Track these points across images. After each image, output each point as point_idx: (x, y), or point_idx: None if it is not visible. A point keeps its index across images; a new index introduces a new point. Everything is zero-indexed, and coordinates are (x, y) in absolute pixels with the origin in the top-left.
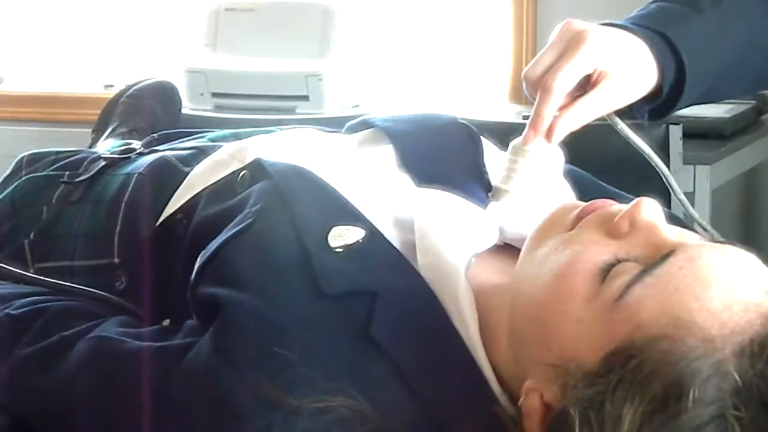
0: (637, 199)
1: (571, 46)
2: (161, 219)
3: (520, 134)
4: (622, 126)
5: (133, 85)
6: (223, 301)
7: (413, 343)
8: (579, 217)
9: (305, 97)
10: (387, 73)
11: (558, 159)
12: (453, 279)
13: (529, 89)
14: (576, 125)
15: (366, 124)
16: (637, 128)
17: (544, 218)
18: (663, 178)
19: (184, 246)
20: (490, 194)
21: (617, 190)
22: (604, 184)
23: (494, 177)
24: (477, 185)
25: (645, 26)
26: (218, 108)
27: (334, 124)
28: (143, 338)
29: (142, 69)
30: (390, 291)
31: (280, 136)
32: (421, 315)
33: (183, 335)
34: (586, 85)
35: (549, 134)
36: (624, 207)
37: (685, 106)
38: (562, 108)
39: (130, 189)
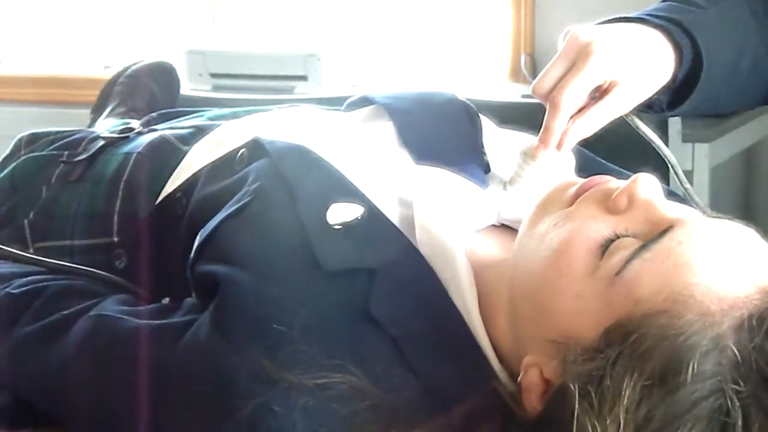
0: (636, 175)
1: (579, 59)
2: (160, 198)
3: (536, 128)
4: (638, 122)
5: (132, 65)
6: (222, 279)
7: (412, 320)
8: (578, 194)
9: (303, 77)
10: (385, 53)
11: (568, 163)
12: (452, 255)
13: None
14: (587, 134)
15: (366, 101)
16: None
17: (543, 195)
18: (673, 172)
19: (183, 224)
20: (496, 185)
21: (616, 167)
22: (602, 160)
23: (494, 160)
24: (475, 164)
25: (658, 16)
26: (217, 88)
27: (333, 103)
28: (142, 316)
29: (141, 50)
30: (389, 268)
31: (278, 114)
32: (419, 291)
33: (182, 313)
34: (597, 91)
35: (559, 146)
36: (622, 183)
37: (697, 105)
38: (573, 117)
39: (129, 168)
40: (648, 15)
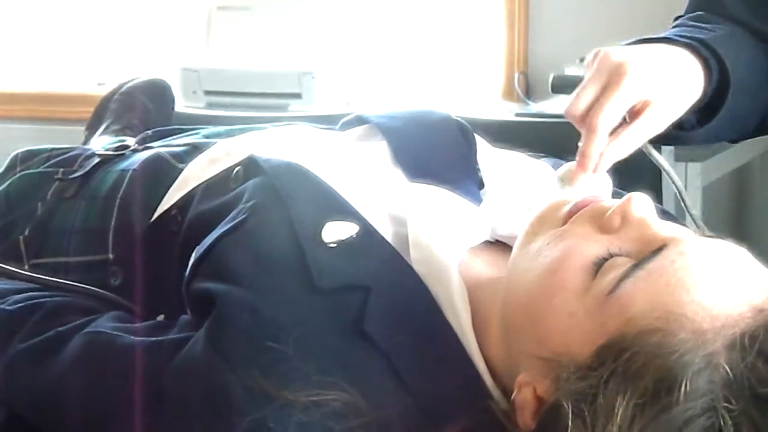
0: (629, 194)
1: (613, 80)
2: (156, 215)
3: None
4: (649, 148)
5: (126, 82)
6: (218, 296)
7: (406, 337)
8: (571, 213)
9: (298, 95)
10: (379, 71)
11: (606, 185)
12: (446, 273)
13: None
14: (621, 156)
15: (360, 120)
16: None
17: (536, 214)
18: (681, 201)
19: (179, 242)
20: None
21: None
22: None
23: (488, 176)
24: (470, 181)
25: (680, 35)
26: (211, 106)
27: (327, 121)
28: (138, 333)
29: (135, 67)
30: (383, 285)
31: (273, 132)
32: (413, 309)
33: (177, 330)
34: (629, 111)
35: (595, 169)
36: (615, 202)
37: (724, 124)
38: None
39: (124, 185)
40: (670, 35)
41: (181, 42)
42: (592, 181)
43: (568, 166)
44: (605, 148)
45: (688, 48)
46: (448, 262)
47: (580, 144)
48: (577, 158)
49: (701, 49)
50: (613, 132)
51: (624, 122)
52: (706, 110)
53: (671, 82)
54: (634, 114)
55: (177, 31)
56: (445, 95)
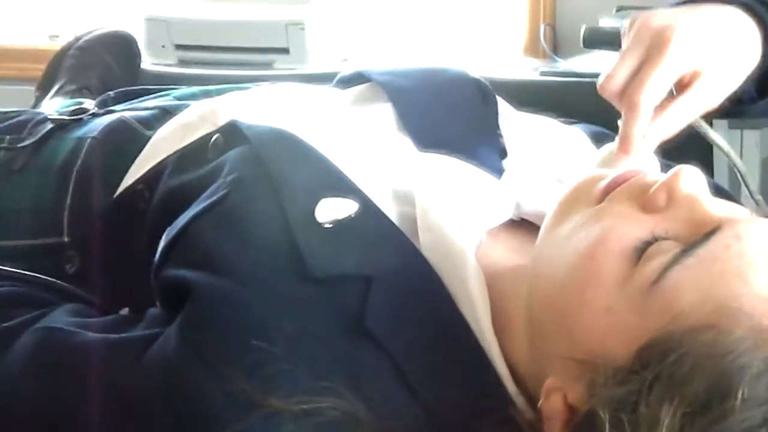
0: (677, 167)
1: (655, 50)
2: (119, 191)
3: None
4: (703, 125)
5: (83, 35)
6: (193, 286)
7: (414, 336)
8: (608, 189)
9: (285, 50)
10: (382, 22)
11: (652, 167)
12: (461, 260)
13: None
14: (668, 135)
15: (361, 78)
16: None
17: (568, 190)
18: (738, 175)
19: (147, 222)
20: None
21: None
22: None
23: (511, 144)
24: (489, 150)
25: None
26: (183, 62)
27: (320, 81)
28: (98, 329)
29: (93, 17)
30: (387, 274)
31: (258, 93)
32: (423, 302)
33: (145, 326)
34: (676, 84)
35: (639, 152)
36: (661, 176)
37: None
38: (652, 117)
39: (82, 156)
40: None
41: None
42: (635, 165)
43: (608, 148)
44: (649, 128)
45: (742, 7)
46: (463, 247)
47: (619, 123)
48: (618, 141)
49: (757, 6)
50: (658, 108)
51: (670, 96)
52: (766, 79)
53: (724, 48)
54: (681, 87)
55: None
56: (459, 50)
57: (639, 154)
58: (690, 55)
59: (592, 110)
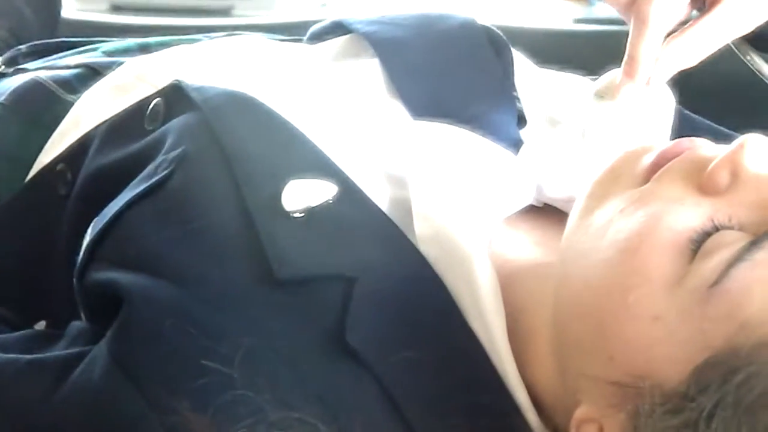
0: (741, 137)
1: None
2: (33, 171)
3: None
4: (754, 57)
5: None
6: (126, 292)
7: (407, 352)
8: (655, 165)
9: None
10: None
11: (666, 104)
12: (467, 257)
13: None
14: (687, 63)
15: (340, 28)
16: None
17: (605, 168)
18: None
19: (68, 211)
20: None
21: (713, 125)
22: (691, 114)
23: (531, 108)
24: (504, 117)
25: None
26: (117, 9)
27: (291, 32)
28: (7, 348)
29: None
30: (373, 275)
31: (209, 47)
32: (419, 311)
33: (67, 343)
34: (698, 4)
35: (648, 80)
36: (722, 150)
37: None
38: (666, 39)
39: None
40: None
41: None
42: (643, 97)
43: (611, 75)
44: (664, 52)
45: None
46: (470, 242)
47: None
48: (623, 62)
49: None
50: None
51: (695, 16)
52: None
53: None
54: (707, 6)
55: None
56: None
57: (648, 83)
58: None
59: None
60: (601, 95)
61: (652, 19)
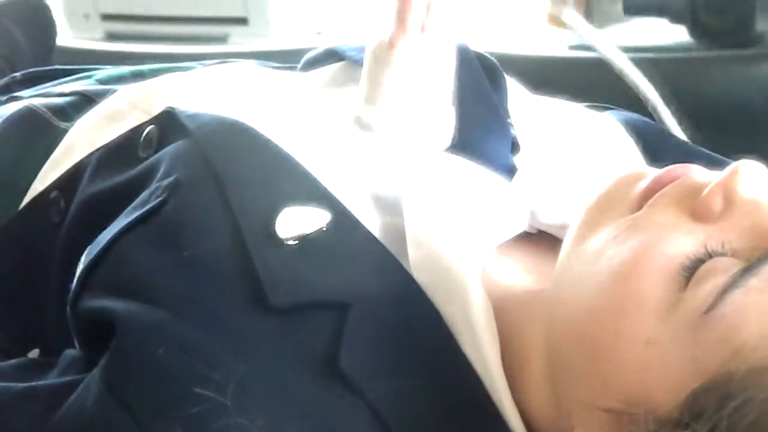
0: (735, 163)
1: None
2: (26, 199)
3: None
4: (571, 18)
5: None
6: (119, 319)
7: (401, 379)
8: (649, 192)
9: (243, 20)
10: None
11: (446, 54)
12: (461, 284)
13: None
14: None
15: (333, 56)
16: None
17: (598, 194)
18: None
19: (61, 238)
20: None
21: (705, 150)
22: (684, 140)
23: (523, 134)
24: (497, 144)
25: None
26: (111, 37)
27: (285, 59)
28: (1, 376)
29: None
30: (367, 302)
31: (203, 74)
32: (412, 337)
33: (60, 371)
34: None
35: (422, 28)
36: (715, 176)
37: None
38: None
39: None
40: None
41: None
42: (421, 52)
43: (382, 34)
44: None
45: None
46: (464, 268)
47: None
48: (395, 15)
49: None
50: None
51: None
52: None
53: None
54: None
55: None
56: (462, 20)
57: (423, 31)
58: None
59: (631, 94)
60: (375, 54)
61: None
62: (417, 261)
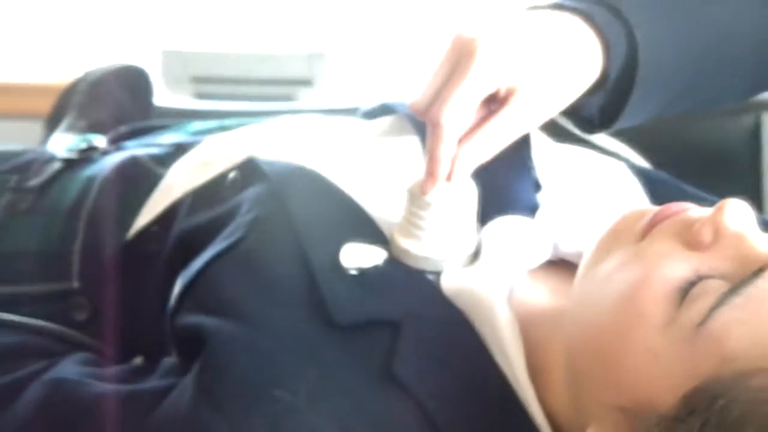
0: (722, 201)
1: (460, 64)
2: (132, 232)
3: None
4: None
5: (94, 70)
6: (209, 333)
7: (445, 383)
8: (651, 225)
9: (308, 82)
10: (410, 49)
11: (470, 194)
12: (488, 306)
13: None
14: (482, 157)
15: (385, 110)
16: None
17: (608, 228)
18: None
19: (161, 265)
20: (390, 251)
21: (697, 191)
22: (682, 184)
23: (546, 177)
24: (523, 185)
25: None
26: (200, 96)
27: (344, 114)
28: (109, 380)
29: (106, 51)
30: (416, 320)
31: (277, 126)
32: (453, 349)
33: (159, 376)
34: (494, 102)
35: (449, 177)
36: (706, 212)
37: (649, 113)
38: (462, 139)
39: (92, 196)
40: None
41: (161, 19)
42: (450, 192)
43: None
44: (459, 151)
45: (579, 14)
46: (489, 293)
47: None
48: (425, 164)
49: (599, 14)
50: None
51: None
52: (617, 96)
53: (543, 61)
54: (497, 105)
55: (156, 7)
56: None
57: (450, 180)
58: (499, 69)
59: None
60: (412, 193)
61: (445, 126)
62: (448, 287)
